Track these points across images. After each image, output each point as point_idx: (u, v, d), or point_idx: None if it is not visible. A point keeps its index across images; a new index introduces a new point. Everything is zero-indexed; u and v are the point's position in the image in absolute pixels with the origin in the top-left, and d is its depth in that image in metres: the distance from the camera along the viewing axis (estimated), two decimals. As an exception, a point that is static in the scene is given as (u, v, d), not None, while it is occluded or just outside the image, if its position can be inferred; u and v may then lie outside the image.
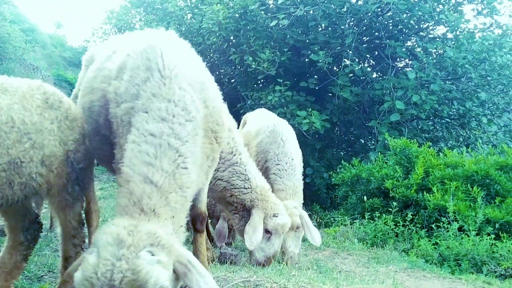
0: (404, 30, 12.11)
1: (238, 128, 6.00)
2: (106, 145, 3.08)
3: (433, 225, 6.46)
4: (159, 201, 2.17)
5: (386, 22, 11.76)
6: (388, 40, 10.95)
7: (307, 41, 11.81)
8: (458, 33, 11.45)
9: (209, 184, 4.64)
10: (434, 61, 10.85)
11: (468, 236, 5.81)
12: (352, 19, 11.43)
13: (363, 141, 13.07)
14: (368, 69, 12.46)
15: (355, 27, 11.44)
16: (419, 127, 12.02)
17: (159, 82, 2.55)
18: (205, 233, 3.46)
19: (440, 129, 12.84)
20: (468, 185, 6.77)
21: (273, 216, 4.66)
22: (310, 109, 10.47)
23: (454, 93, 10.99)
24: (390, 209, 7.00)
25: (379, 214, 7.10)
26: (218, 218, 5.62)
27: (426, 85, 10.48)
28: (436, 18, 10.80)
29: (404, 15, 11.16)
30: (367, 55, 12.81)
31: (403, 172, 7.71)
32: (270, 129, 5.97)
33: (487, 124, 11.84)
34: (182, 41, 3.26)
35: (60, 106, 2.82)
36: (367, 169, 8.48)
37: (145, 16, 16.52)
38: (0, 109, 2.42)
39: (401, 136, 9.55)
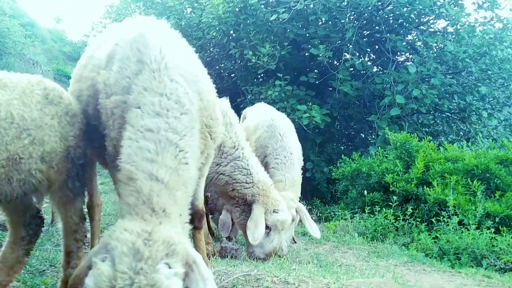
0: (404, 24, 12.07)
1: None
2: (96, 135, 3.01)
3: (433, 219, 6.47)
4: (168, 200, 2.11)
5: (386, 16, 11.72)
6: (388, 34, 10.93)
7: (307, 35, 11.77)
8: (458, 27, 11.41)
9: (212, 178, 4.67)
10: (435, 55, 10.82)
11: (468, 230, 5.82)
12: (353, 13, 11.39)
13: (363, 136, 13.07)
14: (369, 63, 12.43)
15: (355, 21, 11.40)
16: (420, 121, 12.01)
17: (149, 75, 2.47)
18: (205, 228, 3.39)
19: (440, 123, 12.82)
20: (468, 179, 6.78)
21: (273, 212, 4.68)
22: (310, 104, 10.45)
23: (454, 87, 10.97)
24: (390, 203, 7.01)
25: (379, 208, 7.11)
26: (220, 212, 5.63)
27: (427, 79, 10.46)
28: (437, 12, 10.76)
29: (405, 9, 11.12)
30: (368, 49, 12.77)
31: (403, 166, 7.71)
32: (268, 123, 5.97)
33: (488, 118, 11.83)
34: (173, 31, 3.15)
35: (60, 102, 2.81)
36: (368, 164, 8.48)
37: (144, 10, 16.46)
38: (0, 104, 2.40)
39: (401, 130, 9.55)
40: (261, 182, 4.68)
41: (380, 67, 12.59)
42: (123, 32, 2.98)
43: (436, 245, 5.99)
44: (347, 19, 11.47)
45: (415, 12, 11.36)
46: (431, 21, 12.36)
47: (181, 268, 1.92)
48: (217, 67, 13.82)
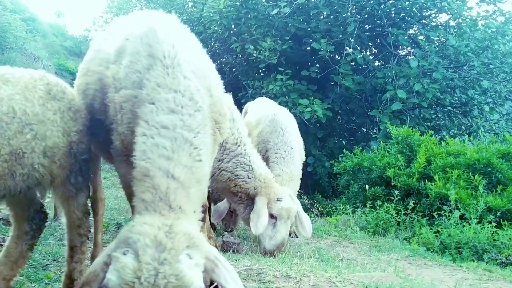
0: (406, 18, 12.03)
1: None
2: (101, 130, 2.99)
3: (434, 214, 6.48)
4: (183, 197, 2.14)
5: (388, 10, 11.69)
6: (390, 28, 10.89)
7: (309, 29, 11.74)
8: (460, 20, 11.38)
9: (213, 174, 4.67)
10: (437, 49, 10.80)
11: (470, 224, 5.83)
12: (354, 7, 11.37)
13: (365, 130, 13.07)
14: (370, 57, 12.40)
15: (357, 15, 11.37)
16: (421, 115, 12.01)
17: (162, 71, 2.46)
18: (208, 222, 3.37)
19: (442, 117, 12.81)
20: (470, 173, 6.78)
21: (277, 200, 4.69)
22: (312, 98, 10.45)
23: (456, 81, 10.94)
24: (392, 198, 7.02)
25: (380, 203, 7.12)
26: None
27: (428, 74, 10.44)
28: (439, 6, 10.72)
29: (407, 3, 11.09)
30: (369, 43, 12.75)
31: (405, 160, 7.71)
32: (270, 118, 5.97)
33: (489, 113, 11.82)
34: (183, 26, 3.12)
35: (63, 97, 2.80)
36: (369, 158, 8.48)
37: (146, 4, 16.41)
38: (1, 99, 2.40)
39: (403, 124, 9.53)
40: (262, 176, 4.70)
41: (381, 61, 12.56)
42: (132, 27, 2.95)
43: (437, 239, 6.01)
44: (348, 13, 11.45)
45: (417, 5, 11.32)
46: (433, 15, 12.33)
47: (201, 260, 1.96)
48: (218, 61, 13.80)
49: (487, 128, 11.82)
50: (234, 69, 13.83)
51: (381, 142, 9.11)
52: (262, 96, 8.70)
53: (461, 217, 6.12)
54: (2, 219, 4.32)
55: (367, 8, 11.34)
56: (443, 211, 6.26)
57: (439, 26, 11.83)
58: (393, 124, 9.07)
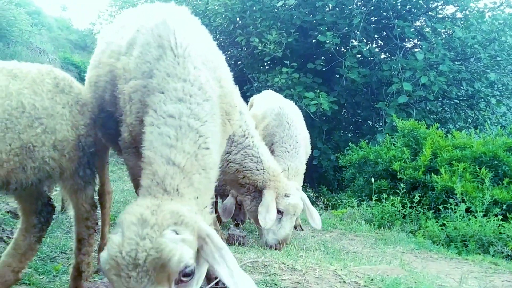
0: (412, 9, 11.95)
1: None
2: (111, 122, 3.01)
3: (440, 207, 6.47)
4: (182, 182, 2.15)
5: (394, 2, 11.61)
6: (396, 20, 10.83)
7: (314, 21, 11.70)
8: (467, 12, 11.30)
9: (221, 166, 4.68)
10: (443, 41, 10.72)
11: (476, 217, 5.82)
12: (360, -1, 11.31)
13: (370, 123, 13.03)
14: (376, 50, 12.35)
15: (363, 7, 11.31)
16: (428, 108, 11.95)
17: (173, 61, 2.48)
18: (213, 217, 3.34)
19: (448, 110, 12.76)
20: (476, 166, 6.76)
21: (285, 196, 4.67)
22: (317, 91, 10.42)
23: (463, 74, 10.89)
24: (398, 191, 7.01)
25: (386, 196, 7.12)
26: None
27: (435, 66, 10.38)
28: (445, -3, 10.65)
29: (413, -6, 11.02)
30: (375, 36, 12.69)
31: (411, 153, 7.70)
32: (276, 112, 5.95)
33: (496, 105, 11.75)
34: (194, 18, 3.14)
35: (70, 91, 2.82)
36: (375, 151, 8.47)
37: (150, -3, 16.39)
38: (10, 94, 2.42)
39: (409, 117, 9.51)
40: (271, 169, 4.69)
41: (387, 54, 12.51)
42: (143, 19, 2.96)
43: (443, 232, 6.00)
44: (354, 5, 11.39)
45: (424, -3, 11.25)
46: (440, 7, 12.25)
47: (189, 236, 1.94)
48: (223, 54, 13.75)
49: (494, 121, 11.76)
50: (239, 62, 13.81)
51: (387, 135, 9.09)
52: (267, 89, 8.69)
53: (467, 210, 6.11)
54: (10, 212, 4.36)
55: (373, 0, 11.28)
56: (449, 204, 6.25)
57: (446, 18, 11.75)
58: (399, 117, 9.04)
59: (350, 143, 9.54)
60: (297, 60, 11.70)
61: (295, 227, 5.49)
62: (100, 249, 3.69)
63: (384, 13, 11.73)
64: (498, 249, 5.41)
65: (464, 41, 10.26)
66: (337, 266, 3.57)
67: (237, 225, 5.69)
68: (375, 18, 12.21)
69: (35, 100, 2.53)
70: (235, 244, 4.73)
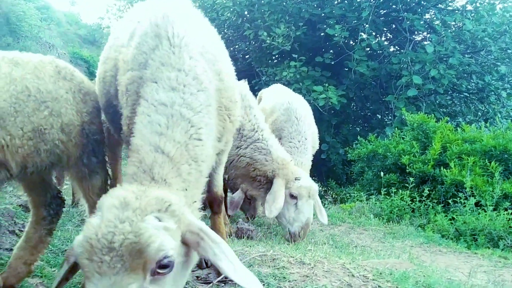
0: (422, 2, 11.84)
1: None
2: (119, 117, 2.96)
3: (449, 201, 6.44)
4: (170, 171, 2.07)
5: (403, -6, 11.52)
6: (405, 13, 10.74)
7: (323, 15, 11.63)
8: (478, 4, 11.17)
9: (232, 161, 4.71)
10: (453, 34, 10.64)
11: (485, 211, 5.79)
12: (369, -9, 11.22)
13: (379, 117, 12.97)
14: (385, 43, 12.27)
15: (371, 0, 11.22)
16: (437, 101, 11.87)
17: (168, 50, 2.42)
18: (223, 212, 3.32)
19: (458, 103, 12.66)
20: (486, 160, 6.71)
21: (296, 179, 4.64)
22: (326, 85, 10.38)
23: (473, 67, 10.79)
24: (407, 185, 6.99)
25: (395, 190, 7.10)
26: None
27: (445, 59, 10.30)
28: (456, -11, 10.55)
29: (422, -13, 10.92)
30: (384, 29, 12.59)
31: (420, 147, 7.66)
32: (285, 106, 5.94)
33: (507, 98, 11.64)
34: (196, 11, 3.10)
35: (72, 79, 2.86)
36: (384, 145, 8.44)
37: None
38: (14, 80, 2.48)
39: (418, 111, 9.45)
40: (280, 158, 4.71)
41: (397, 47, 12.42)
42: (146, 11, 2.96)
43: (452, 226, 5.98)
44: (363, -2, 11.30)
45: (433, -10, 11.14)
46: (450, -1, 12.12)
47: (173, 224, 1.83)
48: (231, 48, 13.76)
49: (504, 114, 11.66)
50: (247, 56, 13.79)
51: (396, 128, 9.06)
52: (276, 82, 8.68)
53: (477, 204, 6.07)
54: (22, 206, 4.40)
55: (382, -7, 11.18)
56: (458, 198, 6.23)
57: (456, 11, 11.62)
58: (408, 110, 8.99)
59: (359, 137, 9.51)
60: (306, 53, 11.65)
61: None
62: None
63: (393, 6, 11.64)
64: (508, 243, 5.37)
65: (474, 34, 10.16)
66: (346, 259, 3.57)
67: (251, 217, 5.72)
68: (384, 11, 12.11)
69: (39, 83, 2.58)
70: (243, 237, 4.75)
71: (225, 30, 13.94)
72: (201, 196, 2.31)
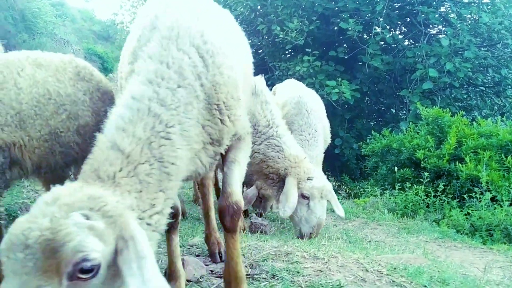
0: (437, -5, 11.71)
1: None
2: None
3: (465, 196, 6.39)
4: (123, 170, 1.88)
5: (418, -13, 11.39)
6: (420, 6, 10.62)
7: (336, 8, 11.56)
8: (494, -3, 10.99)
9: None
10: (469, 27, 10.49)
11: (501, 207, 5.73)
12: (383, -16, 11.11)
13: (394, 111, 12.89)
14: (400, 36, 12.17)
15: (386, -7, 11.11)
16: (452, 95, 11.75)
17: (158, 42, 2.25)
18: (238, 230, 2.69)
19: (474, 97, 12.51)
20: (502, 154, 6.64)
21: (308, 179, 4.61)
22: (339, 79, 10.34)
23: (489, 60, 10.65)
24: (421, 180, 6.94)
25: (410, 185, 7.06)
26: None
27: (460, 52, 10.18)
28: (472, -19, 10.40)
29: (438, -21, 10.79)
30: (399, 22, 12.47)
31: (435, 142, 7.60)
32: (296, 100, 5.94)
33: (524, 92, 11.48)
34: (210, 3, 2.84)
35: (91, 79, 2.91)
36: (398, 139, 8.40)
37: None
38: (37, 82, 2.53)
39: (433, 105, 9.36)
40: (292, 155, 4.66)
41: (411, 41, 12.31)
42: (158, 4, 2.76)
43: (467, 221, 5.93)
44: (377, -9, 11.19)
45: (449, -18, 10.99)
46: (466, -8, 11.94)
47: (101, 225, 1.63)
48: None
49: (521, 108, 11.50)
50: (260, 51, 13.76)
51: (410, 123, 9.00)
52: (289, 77, 8.67)
53: (493, 199, 6.02)
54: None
55: (397, -14, 11.08)
56: (474, 193, 6.17)
57: (472, 3, 11.45)
58: (423, 104, 8.92)
59: (373, 132, 9.48)
60: (319, 48, 11.60)
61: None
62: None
63: (408, -1, 11.53)
64: (525, 239, 5.32)
65: (490, 27, 10.01)
66: (360, 254, 3.57)
67: (260, 215, 5.73)
68: (399, 4, 11.99)
69: (59, 87, 2.64)
70: (257, 232, 4.76)
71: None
72: (169, 202, 2.07)
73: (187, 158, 2.17)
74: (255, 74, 5.05)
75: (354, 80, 11.20)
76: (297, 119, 5.79)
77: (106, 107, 2.96)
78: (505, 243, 5.26)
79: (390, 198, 7.25)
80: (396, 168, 7.75)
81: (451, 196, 6.69)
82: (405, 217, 6.60)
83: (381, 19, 10.52)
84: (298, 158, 4.68)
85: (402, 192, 7.08)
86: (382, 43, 11.37)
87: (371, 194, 7.76)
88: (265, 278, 2.91)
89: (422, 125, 8.33)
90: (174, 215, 2.60)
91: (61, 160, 2.66)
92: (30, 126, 2.47)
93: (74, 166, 2.90)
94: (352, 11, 11.18)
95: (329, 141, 6.46)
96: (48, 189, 3.00)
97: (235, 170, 2.69)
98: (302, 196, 4.56)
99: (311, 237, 4.53)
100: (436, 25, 12.09)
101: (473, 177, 6.52)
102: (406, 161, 7.98)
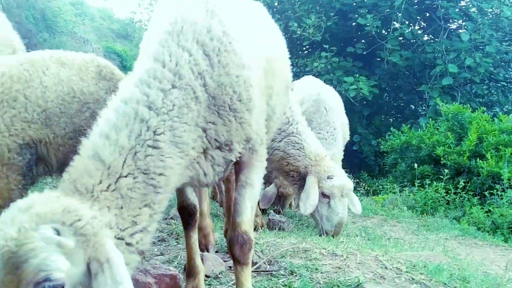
0: (457, -11, 11.53)
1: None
2: None
3: (486, 193, 6.30)
4: (102, 182, 1.73)
5: (438, -18, 11.24)
6: (440, 1, 10.48)
7: (354, 4, 11.48)
8: (516, -10, 10.78)
9: (268, 154, 4.64)
10: (490, 21, 10.32)
11: (524, 204, 5.65)
12: (402, -21, 10.99)
13: (413, 107, 12.77)
14: (419, 31, 12.02)
15: (405, -12, 10.99)
16: (473, 91, 11.58)
17: (159, 39, 2.04)
18: (250, 264, 2.41)
19: (495, 93, 12.31)
20: (525, 151, 6.53)
21: (328, 178, 4.58)
22: (357, 75, 10.27)
23: (511, 55, 10.45)
24: (441, 177, 6.87)
25: (429, 182, 6.99)
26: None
27: (481, 47, 10.02)
28: (493, -25, 10.21)
29: (458, -27, 10.63)
30: (418, 17, 12.33)
31: (455, 138, 7.51)
32: (314, 98, 5.91)
33: (547, 87, 11.25)
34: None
35: (112, 78, 2.97)
36: (418, 136, 8.32)
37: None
38: (61, 80, 2.61)
39: (453, 101, 9.26)
40: (313, 153, 4.64)
41: (431, 36, 12.15)
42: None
43: (489, 219, 5.86)
44: (396, -14, 11.08)
45: (469, -24, 10.83)
46: (487, -15, 11.74)
47: (70, 242, 1.50)
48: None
49: (545, 103, 11.28)
50: (278, 48, 13.75)
51: (430, 119, 8.91)
52: (306, 74, 8.64)
53: (515, 196, 5.93)
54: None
55: (416, -19, 10.94)
56: (495, 190, 6.09)
57: (493, -3, 11.26)
58: (443, 100, 8.82)
59: (391, 128, 9.41)
60: (337, 44, 11.54)
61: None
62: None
63: (427, -7, 11.38)
64: (548, 237, 5.23)
65: (512, 21, 9.84)
66: (379, 251, 3.55)
67: (278, 212, 5.74)
68: (418, -1, 11.86)
69: (83, 85, 2.71)
70: (275, 229, 4.77)
71: (255, 22, 13.91)
72: (156, 217, 1.89)
73: (180, 167, 1.96)
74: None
75: (372, 76, 11.12)
76: (316, 117, 5.76)
77: None
78: (527, 241, 5.19)
79: (409, 195, 7.19)
80: (415, 165, 7.68)
81: (471, 193, 6.61)
82: (425, 214, 6.54)
83: (399, 14, 10.43)
84: (319, 156, 4.66)
85: (422, 189, 7.02)
86: (401, 38, 11.26)
87: (390, 191, 7.70)
88: (283, 275, 2.91)
89: (442, 121, 8.24)
90: (192, 213, 2.59)
91: None
92: (55, 123, 2.56)
93: None
94: (370, 6, 11.09)
95: (348, 138, 6.43)
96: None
97: (246, 197, 2.38)
98: (323, 195, 4.54)
99: (333, 236, 4.52)
100: (456, 20, 11.92)
101: (494, 174, 6.43)
102: (426, 158, 7.91)
